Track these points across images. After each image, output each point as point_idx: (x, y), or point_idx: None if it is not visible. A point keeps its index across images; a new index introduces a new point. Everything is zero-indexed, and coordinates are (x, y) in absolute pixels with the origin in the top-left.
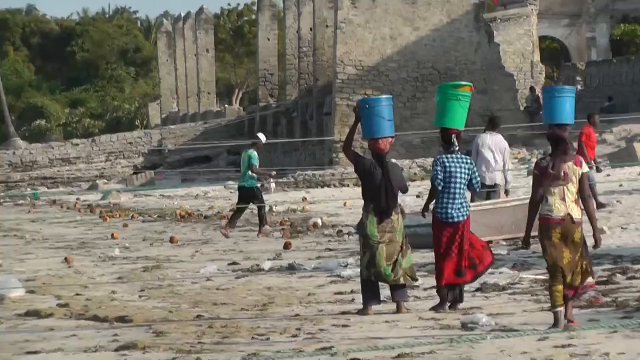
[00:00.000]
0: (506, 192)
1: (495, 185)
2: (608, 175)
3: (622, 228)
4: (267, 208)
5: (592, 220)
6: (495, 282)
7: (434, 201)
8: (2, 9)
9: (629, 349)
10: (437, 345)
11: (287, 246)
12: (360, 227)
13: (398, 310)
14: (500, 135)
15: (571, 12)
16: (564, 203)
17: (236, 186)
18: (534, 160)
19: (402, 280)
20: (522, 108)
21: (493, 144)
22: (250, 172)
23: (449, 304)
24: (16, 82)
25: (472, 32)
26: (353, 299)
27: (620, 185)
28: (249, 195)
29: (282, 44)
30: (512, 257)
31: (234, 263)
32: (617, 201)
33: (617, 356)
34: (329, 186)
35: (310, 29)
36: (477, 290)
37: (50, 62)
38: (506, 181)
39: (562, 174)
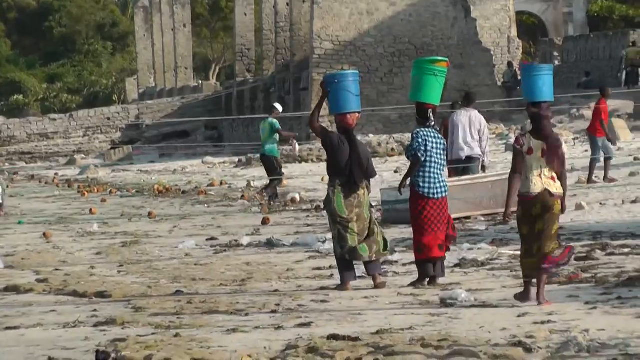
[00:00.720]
0: (483, 167)
1: (471, 159)
2: (586, 151)
3: (600, 204)
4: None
5: (563, 192)
6: (474, 258)
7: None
8: None
9: (609, 326)
10: (416, 321)
11: (265, 222)
12: (328, 204)
13: (375, 282)
14: (476, 111)
15: None
16: (541, 179)
17: (216, 161)
18: (512, 135)
19: (375, 257)
20: (499, 83)
21: (468, 119)
22: (273, 139)
23: (428, 279)
24: None
25: (449, 7)
26: (332, 275)
27: (599, 162)
28: (269, 163)
29: (259, 19)
30: (491, 232)
31: (213, 238)
32: (596, 177)
33: (597, 332)
34: (306, 161)
35: (287, 4)
36: (456, 266)
37: (28, 37)
38: (484, 155)
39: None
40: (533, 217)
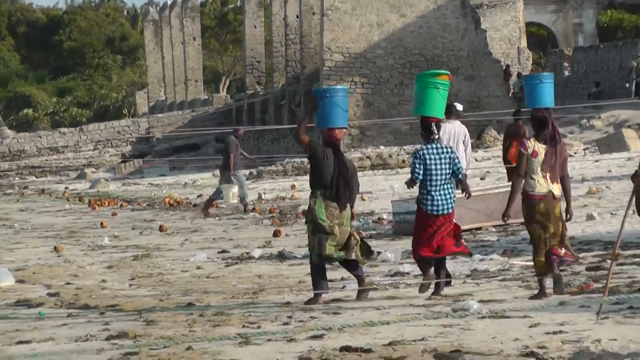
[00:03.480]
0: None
1: None
2: (597, 161)
3: (611, 214)
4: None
5: (567, 197)
6: (486, 269)
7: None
8: None
9: (621, 336)
10: (428, 332)
11: (276, 234)
12: (309, 213)
13: (360, 283)
14: (457, 122)
15: None
16: (546, 181)
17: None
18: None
19: (352, 256)
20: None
21: (452, 132)
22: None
23: (433, 288)
24: (3, 72)
25: (459, 18)
26: (343, 286)
27: (609, 171)
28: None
29: (268, 31)
30: (502, 243)
31: (224, 251)
32: (607, 187)
33: (608, 342)
34: None
35: (297, 16)
36: (468, 276)
37: (37, 51)
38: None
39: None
40: (538, 216)
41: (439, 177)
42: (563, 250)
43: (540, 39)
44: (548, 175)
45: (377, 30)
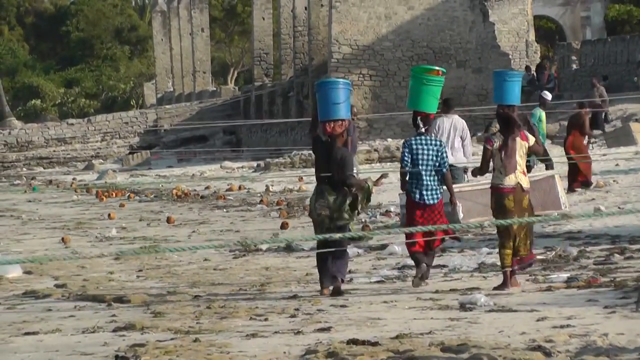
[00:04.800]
0: (465, 169)
1: (455, 167)
2: (604, 155)
3: (619, 208)
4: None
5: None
6: (493, 263)
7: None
8: None
9: (628, 330)
10: (436, 325)
11: (284, 226)
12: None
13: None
14: (456, 116)
15: None
16: (514, 174)
17: (234, 166)
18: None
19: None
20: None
21: (451, 125)
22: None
23: (420, 275)
24: (11, 62)
25: (467, 11)
26: (351, 279)
27: (617, 165)
28: None
29: (276, 23)
30: None
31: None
32: (614, 181)
33: (616, 337)
34: None
35: (305, 8)
36: (475, 270)
37: (45, 42)
38: (465, 157)
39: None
40: (506, 209)
41: (424, 168)
42: (520, 254)
43: (548, 32)
44: (517, 168)
45: (385, 22)
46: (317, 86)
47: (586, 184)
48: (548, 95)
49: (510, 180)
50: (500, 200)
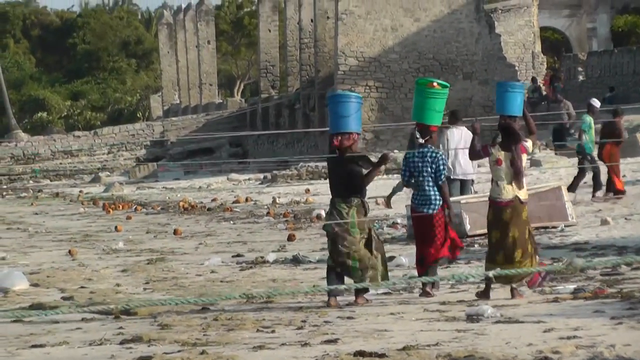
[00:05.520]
0: (472, 181)
1: (464, 181)
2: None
3: (625, 219)
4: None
5: None
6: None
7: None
8: (2, 1)
9: (635, 341)
10: (443, 337)
11: (291, 238)
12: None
13: (356, 300)
14: (464, 128)
15: (571, 2)
16: (512, 187)
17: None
18: (537, 151)
19: (367, 281)
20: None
21: (460, 137)
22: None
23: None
24: (17, 75)
25: (473, 22)
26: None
27: (624, 176)
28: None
29: (282, 35)
30: None
31: (238, 255)
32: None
33: (622, 348)
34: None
35: (311, 20)
36: (482, 281)
37: (51, 55)
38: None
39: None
40: (504, 221)
41: (421, 179)
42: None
43: (554, 44)
44: (514, 181)
45: (392, 34)
46: (327, 99)
47: (620, 192)
48: (597, 103)
49: (507, 194)
50: (498, 213)
